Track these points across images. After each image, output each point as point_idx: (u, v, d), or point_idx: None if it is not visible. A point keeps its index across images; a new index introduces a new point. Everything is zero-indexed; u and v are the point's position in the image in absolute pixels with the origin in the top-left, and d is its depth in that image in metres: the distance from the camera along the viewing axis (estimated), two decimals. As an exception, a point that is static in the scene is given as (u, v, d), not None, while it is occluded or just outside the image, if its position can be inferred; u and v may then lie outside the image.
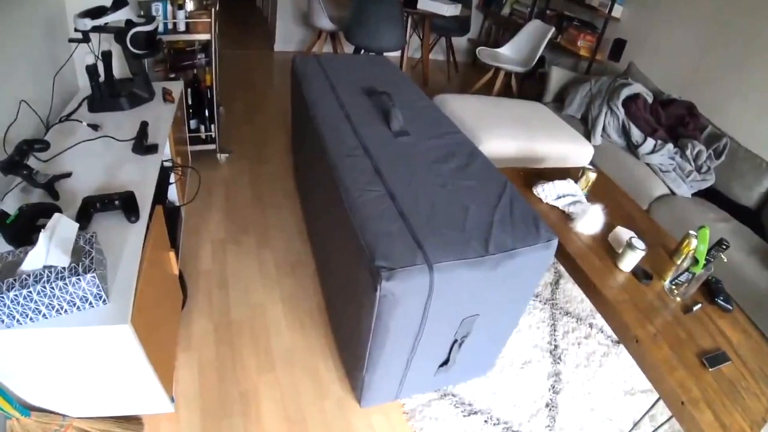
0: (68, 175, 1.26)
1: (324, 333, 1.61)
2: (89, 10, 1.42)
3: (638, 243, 1.40)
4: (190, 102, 2.23)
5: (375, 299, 0.93)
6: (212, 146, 2.33)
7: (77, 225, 0.98)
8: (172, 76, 2.27)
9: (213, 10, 1.87)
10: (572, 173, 1.85)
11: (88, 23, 1.39)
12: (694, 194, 2.39)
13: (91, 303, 0.93)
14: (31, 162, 1.21)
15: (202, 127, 2.30)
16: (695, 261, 1.38)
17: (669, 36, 2.98)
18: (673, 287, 1.39)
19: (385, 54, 3.13)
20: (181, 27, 1.93)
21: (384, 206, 1.13)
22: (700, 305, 1.36)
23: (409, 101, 1.79)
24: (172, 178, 1.66)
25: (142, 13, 1.85)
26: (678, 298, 1.38)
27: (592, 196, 1.78)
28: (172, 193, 1.71)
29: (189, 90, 2.20)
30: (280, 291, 1.73)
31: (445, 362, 1.24)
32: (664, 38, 3.01)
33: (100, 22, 1.41)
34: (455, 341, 1.16)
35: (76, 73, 1.72)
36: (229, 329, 1.57)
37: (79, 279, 0.88)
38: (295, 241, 1.99)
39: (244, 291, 1.71)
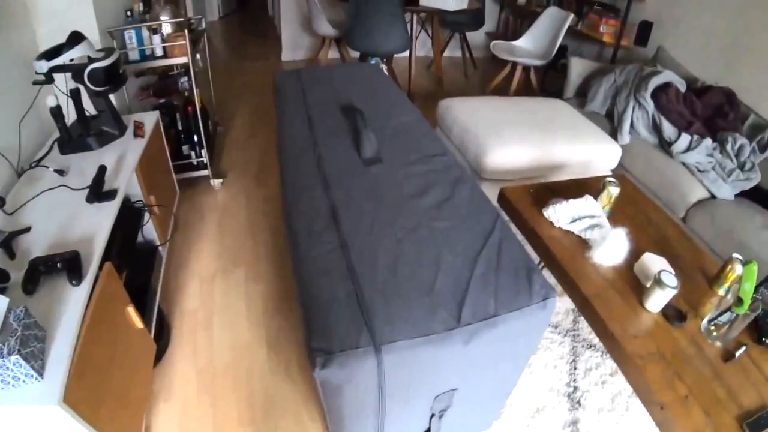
0: (27, 230, 1.20)
1: (309, 378, 1.48)
2: (46, 51, 1.34)
3: (668, 279, 1.16)
4: (180, 127, 2.16)
5: (317, 381, 0.78)
6: (205, 172, 2.25)
7: (7, 300, 0.92)
8: (162, 101, 2.21)
9: (187, 31, 1.77)
10: (591, 186, 1.62)
11: (44, 65, 1.32)
12: (737, 195, 2.07)
13: (23, 381, 0.87)
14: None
15: (193, 153, 2.22)
16: (739, 301, 1.14)
17: (701, 14, 2.60)
18: (712, 328, 1.16)
19: (394, 56, 2.94)
20: (159, 52, 1.85)
21: (334, 262, 0.95)
22: (744, 348, 1.13)
23: (391, 118, 1.58)
24: (148, 218, 1.57)
25: (114, 43, 1.78)
26: (717, 342, 1.14)
27: (616, 212, 1.54)
28: (151, 232, 1.62)
29: (178, 115, 2.13)
30: (266, 332, 1.62)
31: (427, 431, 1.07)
32: (696, 17, 2.64)
33: (58, 62, 1.34)
34: (433, 415, 0.99)
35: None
36: (213, 375, 1.47)
37: (3, 362, 0.83)
38: (286, 273, 1.87)
39: (229, 332, 1.61)
